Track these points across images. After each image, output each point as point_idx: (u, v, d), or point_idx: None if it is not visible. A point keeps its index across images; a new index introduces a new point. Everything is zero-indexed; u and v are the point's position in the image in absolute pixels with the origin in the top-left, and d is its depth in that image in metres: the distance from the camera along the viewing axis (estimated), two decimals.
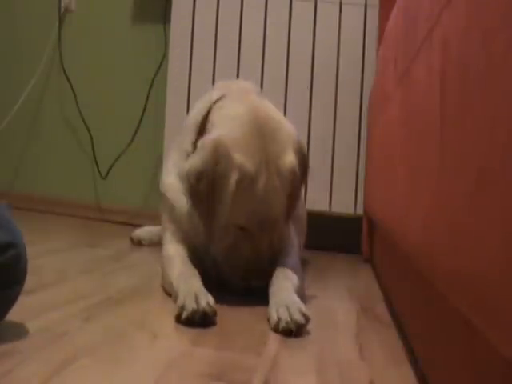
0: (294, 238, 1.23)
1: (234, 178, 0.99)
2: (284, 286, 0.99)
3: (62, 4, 2.41)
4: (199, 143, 1.04)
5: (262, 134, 1.04)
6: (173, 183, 1.16)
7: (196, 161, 1.01)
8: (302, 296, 1.11)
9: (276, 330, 0.88)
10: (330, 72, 1.95)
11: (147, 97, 2.30)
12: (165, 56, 2.29)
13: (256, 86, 1.25)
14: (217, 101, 1.13)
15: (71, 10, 2.42)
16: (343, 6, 1.96)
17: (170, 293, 1.05)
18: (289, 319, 0.87)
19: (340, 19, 1.96)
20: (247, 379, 0.66)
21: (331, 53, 1.96)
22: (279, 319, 0.88)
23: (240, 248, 1.08)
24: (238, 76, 2.00)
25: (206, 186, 0.99)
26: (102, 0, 2.40)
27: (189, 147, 1.13)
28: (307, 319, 0.89)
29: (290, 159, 1.06)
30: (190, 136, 1.14)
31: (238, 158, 1.00)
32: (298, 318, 0.87)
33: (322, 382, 0.68)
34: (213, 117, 1.09)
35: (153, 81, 2.30)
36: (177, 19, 2.03)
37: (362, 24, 1.95)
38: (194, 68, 2.02)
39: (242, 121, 1.04)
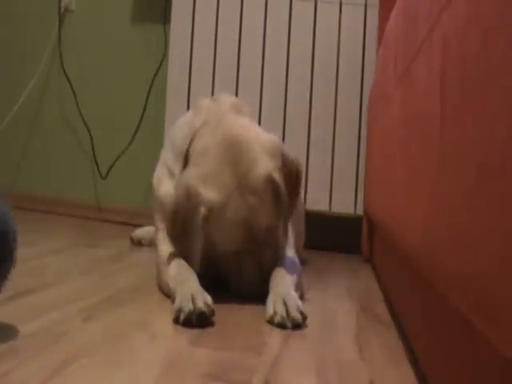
0: (291, 235, 1.23)
1: (201, 212, 1.02)
2: (284, 281, 1.01)
3: (62, 4, 2.41)
4: (177, 181, 1.11)
5: (233, 160, 1.06)
6: (168, 190, 1.18)
7: (173, 201, 1.09)
8: (301, 293, 1.12)
9: (271, 322, 0.91)
10: (330, 72, 1.95)
11: (147, 97, 2.30)
12: (165, 56, 2.29)
13: (238, 100, 1.25)
14: (199, 128, 1.14)
15: (71, 9, 2.43)
16: (343, 6, 1.96)
17: (167, 294, 1.04)
18: (285, 314, 0.90)
19: (340, 19, 1.96)
20: (247, 379, 0.66)
21: (331, 53, 1.96)
22: (275, 313, 0.91)
23: (244, 266, 1.08)
24: (237, 76, 2.00)
25: (179, 224, 1.05)
26: (101, 0, 2.40)
27: (178, 174, 1.16)
28: (304, 318, 0.91)
29: (261, 169, 1.05)
30: (179, 163, 1.16)
31: (205, 193, 1.03)
32: (296, 315, 0.90)
33: (322, 382, 0.68)
34: (191, 149, 1.12)
35: (153, 81, 2.30)
36: (177, 19, 2.03)
37: (361, 24, 1.95)
38: (193, 68, 2.02)
39: (213, 154, 1.07)
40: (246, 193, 1.04)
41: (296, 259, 1.16)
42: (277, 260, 1.11)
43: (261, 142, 1.09)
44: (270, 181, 1.06)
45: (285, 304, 0.92)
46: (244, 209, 1.04)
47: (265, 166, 1.06)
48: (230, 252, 1.07)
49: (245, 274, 1.07)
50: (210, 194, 1.03)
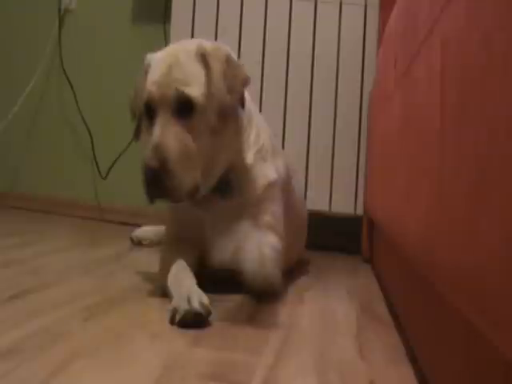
0: (278, 215, 1.17)
1: (142, 68, 1.13)
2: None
3: (62, 4, 2.41)
4: None
5: (179, 43, 1.14)
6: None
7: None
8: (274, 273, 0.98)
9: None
10: (330, 72, 1.95)
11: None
12: None
13: None
14: None
15: (71, 9, 2.42)
16: (343, 6, 1.95)
17: (164, 288, 1.04)
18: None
19: (340, 19, 1.95)
20: (247, 379, 0.66)
21: (331, 53, 1.95)
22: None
23: (150, 139, 1.03)
24: None
25: (132, 92, 1.18)
26: (101, 0, 2.40)
27: None
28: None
29: (198, 43, 1.09)
30: None
31: (150, 57, 1.14)
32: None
33: (322, 382, 0.68)
34: None
35: None
36: (177, 19, 2.03)
37: (362, 24, 1.94)
38: None
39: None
40: (176, 55, 1.07)
41: (279, 246, 1.07)
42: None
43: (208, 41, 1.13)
44: (200, 54, 1.07)
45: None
46: (170, 63, 1.06)
47: (200, 44, 1.09)
48: (148, 111, 1.07)
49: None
50: (153, 55, 1.13)
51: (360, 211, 1.92)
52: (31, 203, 2.44)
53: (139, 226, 2.04)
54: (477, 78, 0.41)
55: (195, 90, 1.03)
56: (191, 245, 1.16)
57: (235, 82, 1.07)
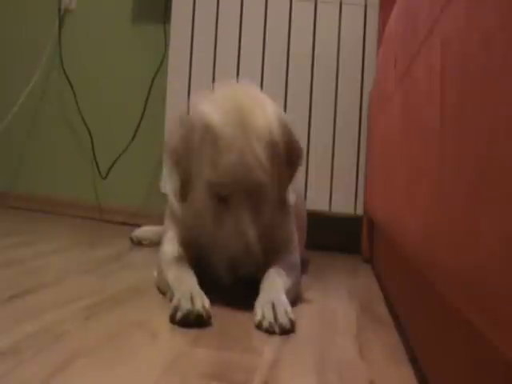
0: (295, 234, 1.22)
1: (199, 124, 1.03)
2: (275, 282, 1.00)
3: (62, 4, 2.41)
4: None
5: (241, 104, 1.06)
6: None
7: (175, 125, 1.08)
8: (298, 295, 1.12)
9: (259, 327, 0.89)
10: (330, 72, 1.95)
11: (147, 97, 2.30)
12: (165, 56, 2.29)
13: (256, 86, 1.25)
14: None
15: (71, 9, 2.43)
16: (343, 6, 1.95)
17: (164, 291, 1.04)
18: (272, 320, 0.88)
19: (340, 19, 1.96)
20: (247, 379, 0.66)
21: (331, 53, 1.95)
22: (263, 317, 0.89)
23: (222, 223, 1.03)
24: (237, 76, 2.00)
25: (179, 144, 1.05)
26: (102, 0, 2.40)
27: None
28: (293, 324, 0.89)
29: (263, 119, 1.06)
30: None
31: (206, 108, 1.05)
32: (284, 321, 0.88)
33: (322, 382, 0.68)
34: None
35: (153, 81, 2.30)
36: (177, 19, 2.03)
37: (362, 24, 1.95)
38: (193, 68, 2.02)
39: (221, 96, 1.08)
40: (250, 133, 1.03)
41: (298, 261, 1.15)
42: (281, 244, 1.12)
43: (272, 107, 1.11)
44: (270, 136, 1.06)
45: (273, 309, 0.90)
46: (245, 143, 1.02)
47: (269, 122, 1.06)
48: (216, 194, 1.03)
49: (234, 239, 1.01)
50: (210, 109, 1.04)
51: (360, 211, 1.92)
52: (31, 203, 2.44)
53: (139, 226, 2.04)
54: (477, 78, 0.41)
55: (268, 177, 1.04)
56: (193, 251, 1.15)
57: (296, 164, 1.12)
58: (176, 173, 1.08)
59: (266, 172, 1.04)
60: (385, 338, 0.91)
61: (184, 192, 1.07)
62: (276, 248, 1.14)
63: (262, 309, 0.91)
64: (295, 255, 1.16)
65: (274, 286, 0.99)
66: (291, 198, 1.22)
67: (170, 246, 1.14)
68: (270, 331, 0.87)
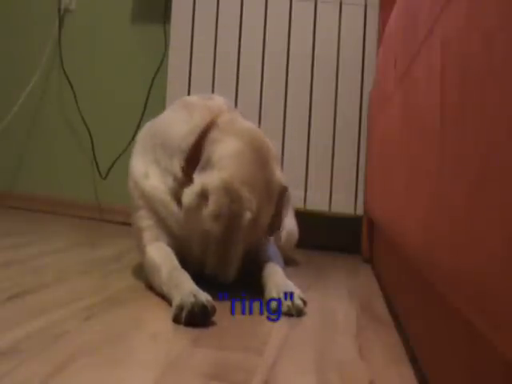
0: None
1: (247, 217, 1.05)
2: (276, 270, 1.11)
3: (62, 4, 2.41)
4: (202, 185, 1.06)
5: (259, 165, 1.10)
6: (158, 186, 1.16)
7: (211, 204, 1.05)
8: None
9: (275, 311, 0.99)
10: (330, 72, 1.95)
11: (147, 97, 2.30)
12: (165, 56, 2.29)
13: (230, 101, 1.30)
14: (206, 130, 1.12)
15: (71, 9, 2.43)
16: (343, 6, 1.95)
17: (160, 293, 1.04)
18: (290, 303, 0.99)
19: (340, 19, 1.96)
20: (247, 379, 0.66)
21: (331, 53, 1.95)
22: (281, 303, 0.99)
23: (208, 242, 1.08)
24: (237, 76, 2.00)
25: (222, 227, 1.04)
26: (102, 0, 2.40)
27: (177, 171, 1.12)
28: (305, 303, 1.01)
29: (277, 178, 1.13)
30: (177, 159, 1.13)
31: (248, 196, 1.06)
32: (299, 303, 0.99)
33: (321, 382, 0.68)
34: (209, 153, 1.09)
35: (153, 81, 2.30)
36: (177, 19, 2.03)
37: (362, 24, 1.95)
38: (193, 68, 2.02)
39: (243, 158, 1.09)
40: (269, 198, 1.11)
41: (275, 247, 1.25)
42: (259, 247, 1.19)
43: (274, 152, 1.17)
44: (280, 193, 1.14)
45: (288, 294, 1.00)
46: (265, 212, 1.11)
47: (279, 176, 1.14)
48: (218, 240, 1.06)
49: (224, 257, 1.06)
50: (251, 197, 1.06)
51: (360, 211, 1.92)
52: (31, 203, 2.44)
53: None
54: (477, 78, 0.41)
55: (249, 216, 1.06)
56: (171, 242, 1.15)
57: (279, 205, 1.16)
58: (212, 250, 1.09)
59: (267, 221, 1.12)
60: (385, 338, 0.91)
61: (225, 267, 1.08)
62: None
63: (277, 295, 1.01)
64: (274, 247, 1.26)
65: (278, 274, 1.09)
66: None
67: (152, 246, 1.12)
68: (288, 314, 0.98)
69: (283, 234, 1.54)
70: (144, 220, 1.17)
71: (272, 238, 1.26)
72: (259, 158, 1.10)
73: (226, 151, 1.08)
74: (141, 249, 1.16)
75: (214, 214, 1.04)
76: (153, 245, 1.12)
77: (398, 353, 0.84)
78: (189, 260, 1.13)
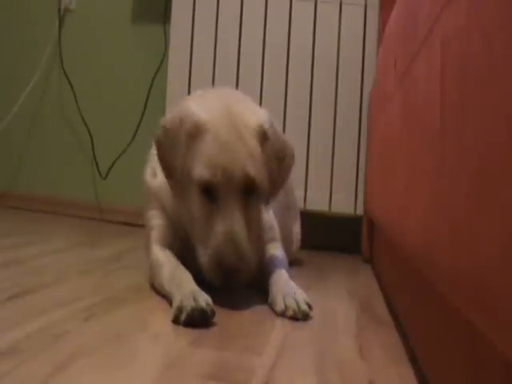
0: (277, 229, 1.25)
1: (187, 125, 1.01)
2: (280, 273, 1.09)
3: (62, 4, 2.41)
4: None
5: (230, 104, 1.06)
6: (164, 184, 1.16)
7: (163, 119, 1.09)
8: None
9: (282, 315, 0.98)
10: (330, 72, 1.95)
11: (147, 97, 2.30)
12: (165, 56, 2.29)
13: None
14: None
15: (71, 9, 2.43)
16: (343, 6, 1.96)
17: (161, 293, 1.04)
18: (296, 308, 0.97)
19: (340, 19, 1.96)
20: (247, 379, 0.66)
21: (331, 53, 1.95)
22: (287, 307, 0.98)
23: (212, 223, 1.00)
24: (237, 76, 2.00)
25: (165, 139, 1.05)
26: (101, 0, 2.40)
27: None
28: (311, 308, 0.99)
29: (254, 119, 1.05)
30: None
31: (194, 106, 1.04)
32: (305, 308, 0.98)
33: (322, 382, 0.68)
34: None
35: (153, 81, 2.30)
36: (177, 19, 2.03)
37: (362, 24, 1.95)
38: (193, 68, 2.02)
39: (210, 96, 1.09)
40: (238, 126, 1.02)
41: (283, 254, 1.21)
42: (264, 249, 1.17)
43: (260, 108, 1.11)
44: (261, 132, 1.04)
45: (294, 298, 0.99)
46: (234, 135, 1.01)
47: (259, 118, 1.05)
48: (205, 191, 1.00)
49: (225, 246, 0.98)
50: (201, 113, 1.03)
51: (360, 211, 1.92)
52: (31, 203, 2.44)
53: (139, 226, 2.04)
54: (477, 77, 0.41)
55: (258, 172, 1.02)
56: (179, 244, 1.15)
57: (287, 163, 1.11)
58: (161, 167, 1.08)
59: (259, 169, 1.03)
60: (385, 338, 0.91)
61: (174, 188, 1.06)
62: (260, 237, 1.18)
63: (283, 299, 0.99)
64: (281, 249, 1.22)
65: (282, 276, 1.07)
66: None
67: (158, 246, 1.13)
68: (293, 318, 0.97)
69: (295, 239, 1.57)
70: (153, 219, 1.18)
71: (280, 242, 1.24)
72: (228, 102, 1.06)
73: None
74: (148, 247, 1.17)
75: (163, 125, 1.08)
76: (159, 245, 1.13)
77: (397, 353, 0.84)
78: (193, 261, 1.14)
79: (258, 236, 1.11)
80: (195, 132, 1.02)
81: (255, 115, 1.06)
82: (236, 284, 1.00)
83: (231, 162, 0.99)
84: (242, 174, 1.00)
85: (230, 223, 0.98)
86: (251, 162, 1.01)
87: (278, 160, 1.08)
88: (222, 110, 1.04)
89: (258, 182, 1.02)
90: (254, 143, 1.03)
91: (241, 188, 1.00)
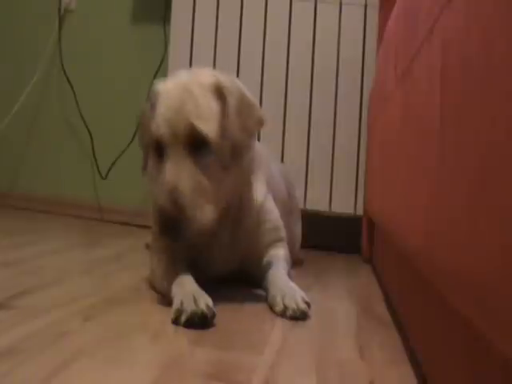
0: (282, 230, 1.25)
1: (151, 94, 1.06)
2: (278, 271, 1.10)
3: (62, 4, 2.41)
4: None
5: (191, 71, 1.08)
6: None
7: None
8: (290, 265, 1.23)
9: (282, 315, 0.98)
10: (330, 72, 1.95)
11: (147, 97, 2.30)
12: (165, 56, 2.29)
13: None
14: None
15: (71, 9, 2.43)
16: (343, 6, 1.95)
17: (160, 292, 1.04)
18: (295, 307, 0.97)
19: (340, 19, 1.96)
20: (247, 379, 0.66)
21: (331, 53, 1.95)
22: (286, 307, 0.98)
23: (160, 179, 0.99)
24: (237, 76, 2.00)
25: (141, 120, 1.10)
26: (102, 0, 2.40)
27: None
28: (309, 306, 1.00)
29: (215, 78, 1.04)
30: None
31: (159, 83, 1.07)
32: (304, 307, 0.98)
33: (322, 382, 0.68)
34: None
35: (153, 81, 2.30)
36: (177, 19, 2.03)
37: (362, 24, 1.95)
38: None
39: (180, 73, 1.10)
40: (189, 88, 1.01)
41: (287, 254, 1.21)
42: (271, 242, 1.18)
43: (223, 75, 1.08)
44: (218, 89, 1.03)
45: (293, 298, 0.99)
46: (181, 97, 1.00)
47: (218, 78, 1.04)
48: (158, 148, 1.01)
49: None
50: (160, 85, 1.06)
51: (360, 211, 1.92)
52: (31, 203, 2.44)
53: (139, 226, 2.04)
54: (477, 78, 0.41)
55: (209, 126, 0.99)
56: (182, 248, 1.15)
57: (250, 122, 1.05)
58: (139, 145, 1.12)
59: (211, 124, 1.00)
60: (385, 338, 0.91)
61: (144, 162, 1.09)
62: (261, 232, 1.18)
63: (282, 300, 0.99)
64: (285, 250, 1.22)
65: (280, 274, 1.08)
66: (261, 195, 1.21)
67: (161, 246, 1.13)
68: (293, 318, 0.97)
69: (296, 242, 1.59)
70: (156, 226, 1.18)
71: (285, 242, 1.24)
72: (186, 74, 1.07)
73: None
74: (151, 245, 1.17)
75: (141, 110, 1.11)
76: (161, 249, 1.13)
77: (398, 353, 0.84)
78: (204, 264, 1.15)
79: (218, 198, 1.02)
80: (154, 101, 1.05)
81: (214, 77, 1.05)
82: (177, 238, 0.95)
83: (176, 117, 0.99)
84: (187, 126, 0.98)
85: (170, 174, 0.96)
86: (200, 117, 0.99)
87: (241, 120, 1.03)
88: (181, 79, 1.05)
89: (207, 135, 0.99)
90: (207, 100, 1.01)
91: (186, 141, 0.98)
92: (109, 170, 2.34)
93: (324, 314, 1.04)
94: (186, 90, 1.01)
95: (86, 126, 2.37)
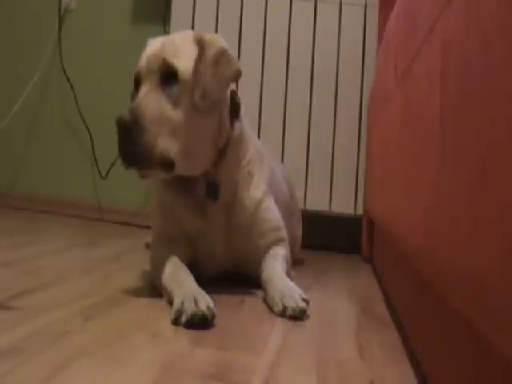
0: (284, 230, 1.25)
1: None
2: (275, 268, 1.11)
3: (62, 4, 2.41)
4: None
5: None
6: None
7: None
8: (290, 265, 1.23)
9: (282, 315, 0.98)
10: (330, 72, 1.95)
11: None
12: None
13: None
14: None
15: (71, 9, 2.42)
16: (343, 6, 1.96)
17: (160, 292, 1.04)
18: (294, 306, 0.97)
19: (340, 19, 1.96)
20: (247, 379, 0.66)
21: (331, 53, 1.95)
22: (285, 307, 0.98)
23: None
24: None
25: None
26: (101, 0, 2.40)
27: None
28: (308, 303, 1.00)
29: (195, 32, 1.11)
30: None
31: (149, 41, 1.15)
32: (303, 306, 0.98)
33: (322, 382, 0.68)
34: None
35: None
36: (177, 19, 2.03)
37: (362, 24, 1.95)
38: None
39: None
40: (171, 38, 1.09)
41: (288, 254, 1.22)
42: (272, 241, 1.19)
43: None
44: (199, 38, 1.09)
45: (292, 298, 0.99)
46: (161, 41, 1.09)
47: (200, 32, 1.11)
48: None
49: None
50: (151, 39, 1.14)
51: (360, 211, 1.92)
52: (31, 203, 2.44)
53: (139, 226, 2.04)
54: (477, 78, 0.41)
55: (182, 64, 1.05)
56: (181, 243, 1.15)
57: (226, 71, 1.10)
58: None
59: (182, 60, 1.06)
60: (385, 338, 0.91)
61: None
62: (261, 231, 1.19)
63: (281, 300, 0.99)
64: (286, 249, 1.22)
65: (279, 276, 1.08)
66: (259, 192, 1.21)
67: (160, 244, 1.14)
68: (293, 318, 0.97)
69: (297, 242, 1.61)
70: (157, 216, 1.20)
71: (286, 242, 1.24)
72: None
73: None
74: (151, 244, 1.18)
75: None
76: (161, 241, 1.15)
77: (397, 353, 0.84)
78: (200, 262, 1.16)
79: (185, 137, 1.04)
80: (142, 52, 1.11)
81: (199, 33, 1.11)
82: (136, 162, 0.98)
83: (154, 54, 1.06)
84: (161, 61, 1.04)
85: (137, 99, 1.02)
86: (175, 55, 1.05)
87: (216, 69, 1.08)
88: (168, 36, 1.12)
89: (178, 70, 1.04)
90: (186, 45, 1.08)
91: (160, 75, 1.04)
92: (109, 170, 2.34)
93: (324, 314, 1.04)
94: (169, 38, 1.10)
95: (86, 126, 2.37)
